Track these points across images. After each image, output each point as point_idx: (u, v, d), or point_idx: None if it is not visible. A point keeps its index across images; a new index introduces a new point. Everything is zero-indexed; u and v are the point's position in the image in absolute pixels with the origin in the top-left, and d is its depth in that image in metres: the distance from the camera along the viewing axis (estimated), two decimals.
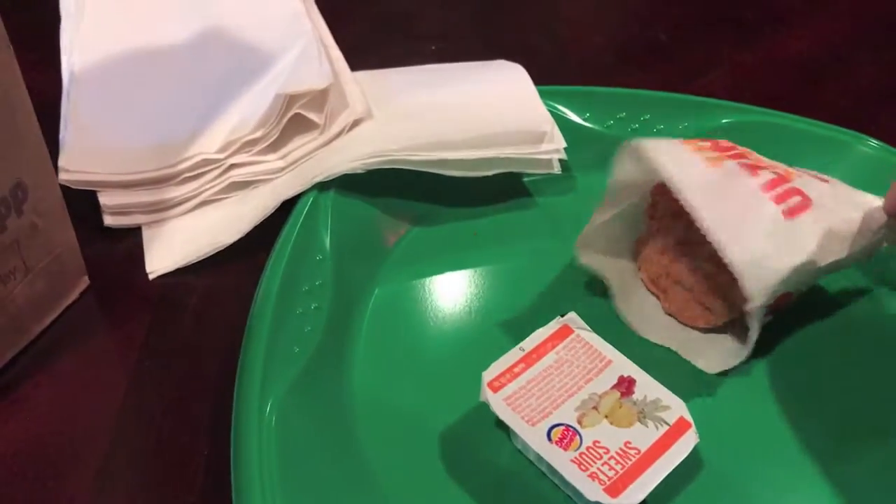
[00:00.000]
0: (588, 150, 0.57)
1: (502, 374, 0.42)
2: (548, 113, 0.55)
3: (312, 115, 0.54)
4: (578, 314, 0.45)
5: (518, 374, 0.42)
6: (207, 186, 0.53)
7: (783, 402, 0.45)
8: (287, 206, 0.51)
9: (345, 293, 0.48)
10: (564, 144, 0.54)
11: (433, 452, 0.42)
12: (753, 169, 0.45)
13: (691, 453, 0.40)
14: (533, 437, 0.40)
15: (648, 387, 0.42)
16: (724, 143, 0.48)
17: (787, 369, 0.46)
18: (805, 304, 0.47)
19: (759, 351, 0.46)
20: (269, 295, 0.45)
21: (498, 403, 0.41)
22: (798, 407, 0.45)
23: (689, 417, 0.41)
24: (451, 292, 0.50)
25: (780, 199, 0.44)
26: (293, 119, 0.53)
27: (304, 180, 0.51)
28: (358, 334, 0.47)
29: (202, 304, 0.50)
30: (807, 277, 0.45)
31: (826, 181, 0.47)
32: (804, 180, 0.46)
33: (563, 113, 0.58)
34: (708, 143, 0.47)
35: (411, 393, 0.45)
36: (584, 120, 0.58)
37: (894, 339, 0.48)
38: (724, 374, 0.46)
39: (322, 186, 0.51)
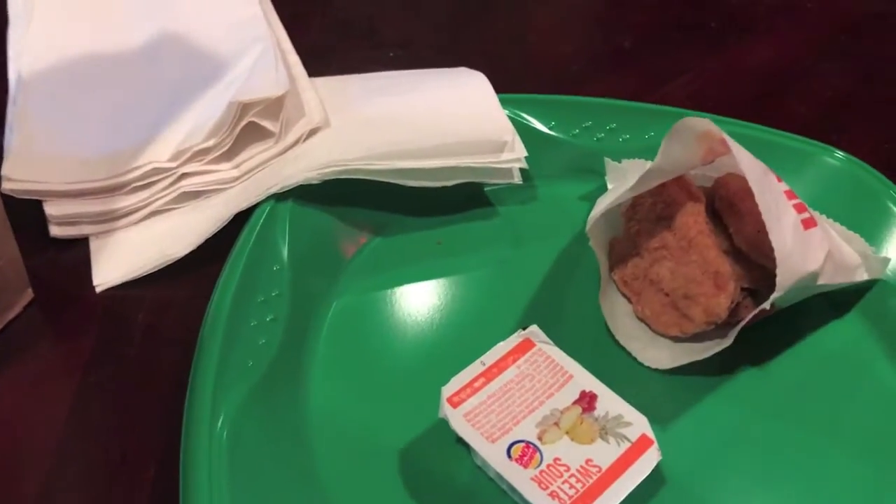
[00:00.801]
0: (553, 160, 0.56)
1: (462, 389, 0.41)
2: (509, 122, 0.54)
3: (267, 124, 0.52)
4: (541, 327, 0.44)
5: (478, 389, 0.41)
6: (158, 196, 0.52)
7: (752, 415, 0.44)
8: (241, 218, 0.49)
9: (302, 305, 0.47)
10: (525, 154, 0.53)
11: (392, 470, 0.41)
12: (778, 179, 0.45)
13: (654, 470, 0.39)
14: (492, 455, 0.39)
15: (610, 402, 0.41)
16: None
17: (755, 382, 0.46)
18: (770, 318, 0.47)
19: (727, 363, 0.45)
20: (222, 305, 0.44)
21: (457, 420, 0.40)
22: (767, 420, 0.44)
23: (651, 434, 0.39)
24: (412, 304, 0.49)
25: (798, 209, 0.44)
26: (247, 127, 0.52)
27: (258, 191, 0.50)
28: (315, 347, 0.46)
29: (152, 317, 0.48)
30: (798, 293, 0.44)
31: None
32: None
33: (528, 121, 0.57)
34: None
35: (370, 409, 0.44)
36: (550, 129, 0.57)
37: (857, 351, 0.47)
38: (690, 388, 0.45)
39: (279, 196, 0.50)
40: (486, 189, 0.55)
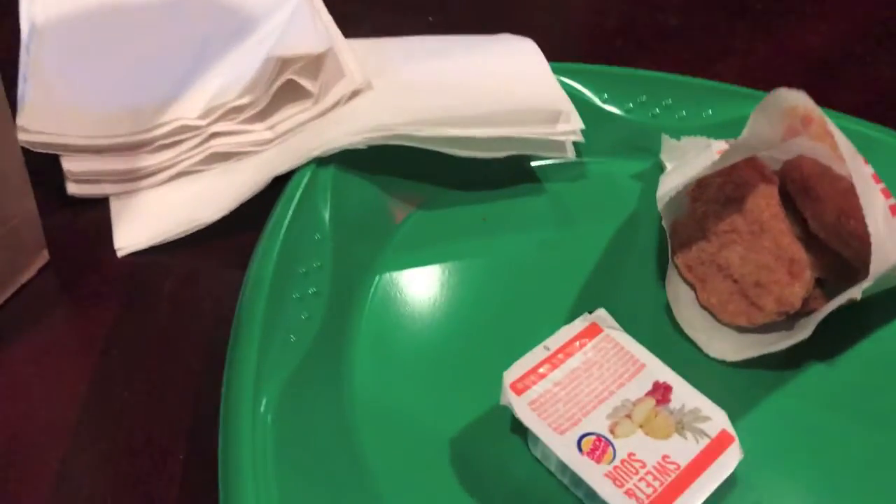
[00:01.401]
0: (605, 135, 0.53)
1: (526, 376, 0.38)
2: (563, 92, 0.51)
3: (306, 83, 0.48)
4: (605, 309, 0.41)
5: (543, 376, 0.38)
6: (186, 156, 0.48)
7: (818, 410, 0.41)
8: (275, 184, 0.46)
9: (344, 277, 0.43)
10: (582, 126, 0.50)
11: (441, 458, 0.38)
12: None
13: (735, 470, 0.36)
14: (562, 448, 0.35)
15: (686, 395, 0.38)
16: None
17: (820, 375, 0.43)
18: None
19: (791, 355, 0.42)
20: (262, 277, 0.40)
21: (522, 408, 0.36)
22: (833, 414, 0.41)
23: (731, 430, 0.36)
24: (460, 281, 0.45)
25: (885, 194, 0.41)
26: (284, 86, 0.48)
27: (299, 154, 0.46)
28: (359, 325, 0.43)
29: (179, 288, 0.45)
30: (881, 283, 0.41)
31: None
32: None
33: (581, 92, 0.53)
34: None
35: (417, 391, 0.40)
36: (603, 102, 0.54)
37: None
38: (768, 382, 0.42)
39: (320, 161, 0.46)
40: (532, 164, 0.52)
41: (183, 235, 0.46)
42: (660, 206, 0.44)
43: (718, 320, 0.44)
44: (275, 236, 0.42)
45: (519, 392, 0.37)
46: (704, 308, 0.44)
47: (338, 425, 0.38)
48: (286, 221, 0.42)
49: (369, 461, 0.37)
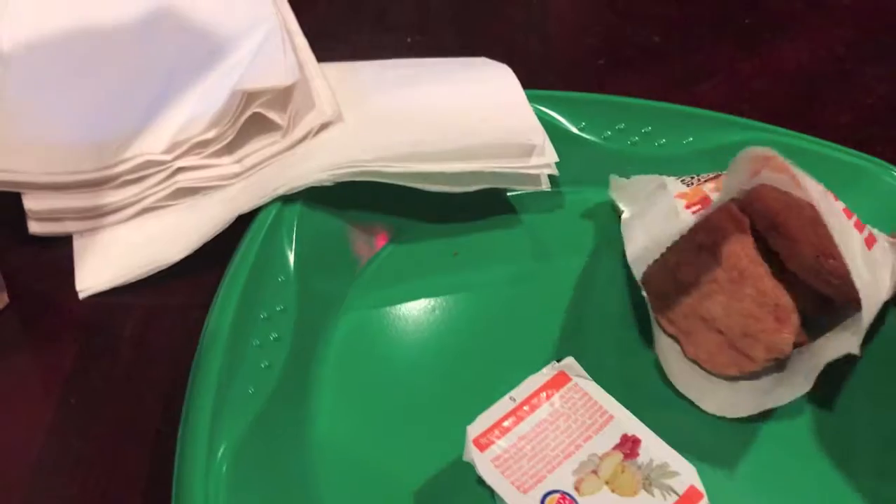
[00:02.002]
0: (582, 164, 0.52)
1: (490, 430, 0.37)
2: (538, 122, 0.49)
3: (274, 116, 0.47)
4: (570, 353, 0.39)
5: (508, 430, 0.37)
6: (151, 192, 0.47)
7: (803, 461, 0.40)
8: (242, 220, 0.45)
9: (308, 321, 0.42)
10: (556, 159, 0.48)
11: None
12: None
13: None
14: None
15: (655, 448, 0.37)
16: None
17: (815, 431, 0.41)
18: None
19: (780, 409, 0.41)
20: (222, 322, 0.39)
21: (485, 465, 0.35)
22: (832, 474, 0.40)
23: (700, 486, 0.35)
24: (429, 323, 0.44)
25: (858, 227, 0.40)
26: (252, 119, 0.47)
27: (264, 191, 0.45)
28: (322, 371, 0.42)
29: (140, 329, 0.44)
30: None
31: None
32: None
33: (556, 120, 0.52)
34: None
35: (382, 441, 0.39)
36: (580, 130, 0.52)
37: None
38: (743, 436, 0.41)
39: (286, 198, 0.45)
40: (508, 194, 0.51)
41: (146, 275, 0.45)
42: (634, 269, 0.43)
43: (708, 371, 0.43)
44: (236, 281, 0.41)
45: (482, 448, 0.36)
46: (692, 361, 0.43)
47: (299, 476, 0.37)
48: (249, 265, 0.41)
49: None
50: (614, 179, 0.50)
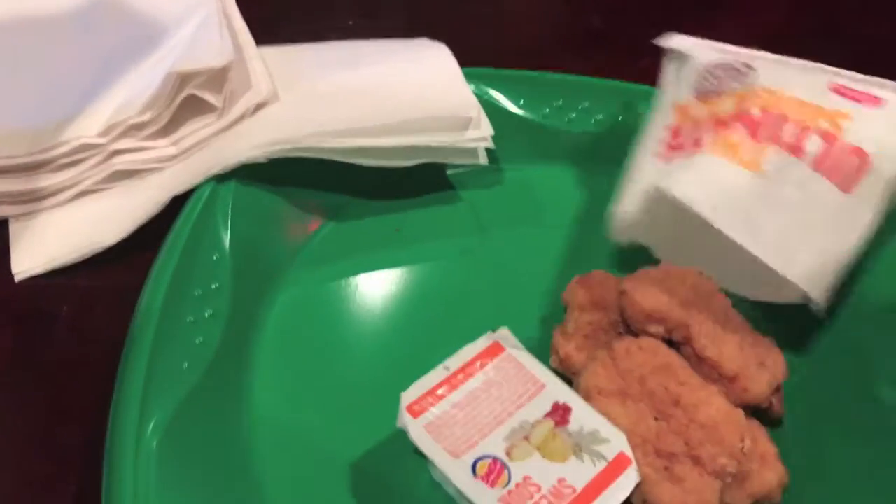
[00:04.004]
0: (521, 141, 0.52)
1: (423, 397, 0.37)
2: (473, 97, 0.50)
3: (209, 97, 0.47)
4: (507, 324, 0.40)
5: (441, 398, 0.37)
6: (87, 175, 0.47)
7: None
8: (179, 201, 0.45)
9: (244, 299, 0.42)
10: (492, 132, 0.49)
11: (343, 484, 0.37)
12: (800, 134, 0.41)
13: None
14: (456, 472, 0.35)
15: (586, 416, 0.37)
16: (749, 107, 0.43)
17: None
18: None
19: None
20: (154, 299, 0.39)
21: (417, 431, 0.36)
22: None
23: (629, 452, 0.36)
24: (368, 299, 0.45)
25: (834, 173, 0.40)
26: (187, 100, 0.47)
27: (198, 172, 0.45)
28: (259, 347, 0.42)
29: (77, 312, 0.44)
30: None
31: (878, 101, 0.42)
32: (862, 114, 0.41)
33: (495, 99, 0.52)
34: (738, 131, 0.42)
35: (319, 416, 0.40)
36: (518, 107, 0.53)
37: None
38: None
39: (220, 177, 0.45)
40: (448, 172, 0.51)
41: (83, 258, 0.45)
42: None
43: None
44: (169, 259, 0.41)
45: (416, 414, 0.36)
46: None
47: (234, 451, 0.37)
48: (181, 243, 0.41)
49: (268, 488, 0.37)
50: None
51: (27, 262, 0.45)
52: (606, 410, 0.37)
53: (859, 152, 0.41)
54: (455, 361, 0.38)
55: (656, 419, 0.37)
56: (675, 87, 0.47)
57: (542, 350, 0.39)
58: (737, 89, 0.44)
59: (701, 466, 0.35)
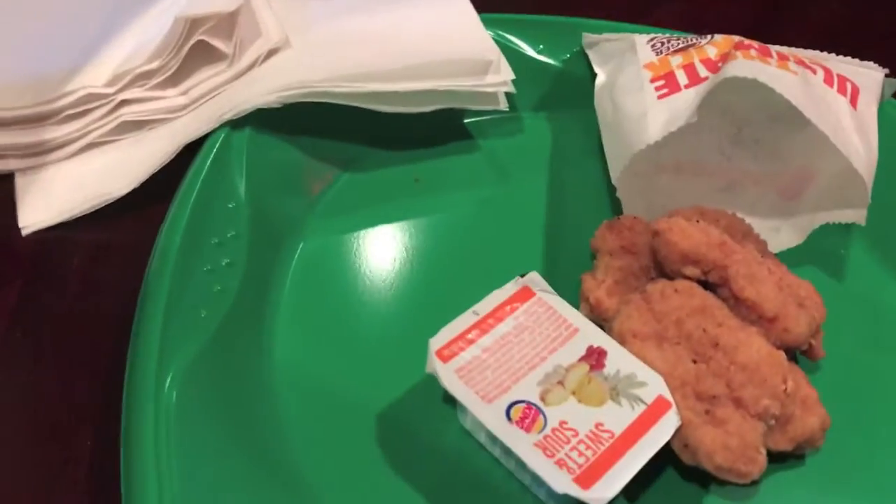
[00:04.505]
0: (542, 88, 0.51)
1: (453, 342, 0.35)
2: (492, 40, 0.48)
3: (219, 44, 0.46)
4: (540, 272, 0.38)
5: (472, 342, 0.35)
6: (94, 126, 0.45)
7: None
8: (191, 151, 0.43)
9: (263, 247, 0.41)
10: (512, 76, 0.47)
11: (368, 434, 0.36)
12: (801, 62, 0.41)
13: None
14: (489, 417, 0.33)
15: (622, 359, 0.36)
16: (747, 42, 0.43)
17: None
18: None
19: None
20: (170, 247, 0.38)
21: (448, 376, 0.34)
22: None
23: (669, 396, 0.34)
24: (389, 247, 0.43)
25: (841, 87, 0.40)
26: (197, 48, 0.45)
27: (210, 119, 0.43)
28: (279, 295, 0.40)
29: (88, 265, 0.42)
30: None
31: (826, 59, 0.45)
32: (832, 65, 0.43)
33: (514, 44, 0.51)
34: (749, 52, 0.41)
35: (343, 364, 0.38)
36: (538, 53, 0.51)
37: None
38: None
39: (235, 124, 0.43)
40: (466, 120, 0.50)
41: (91, 210, 0.43)
42: (619, 190, 0.42)
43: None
44: (183, 207, 0.39)
45: (445, 359, 0.35)
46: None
47: (256, 402, 0.36)
48: (195, 190, 0.40)
49: (291, 439, 0.35)
50: (587, 36, 0.50)
51: (35, 215, 0.43)
52: (642, 354, 0.36)
53: (850, 81, 0.42)
54: (484, 306, 0.37)
55: (695, 362, 0.35)
56: (624, 56, 0.46)
57: (571, 298, 0.38)
58: (699, 43, 0.44)
59: (743, 409, 0.34)
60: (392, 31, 0.48)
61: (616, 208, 0.44)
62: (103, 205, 0.43)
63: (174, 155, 0.43)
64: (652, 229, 0.39)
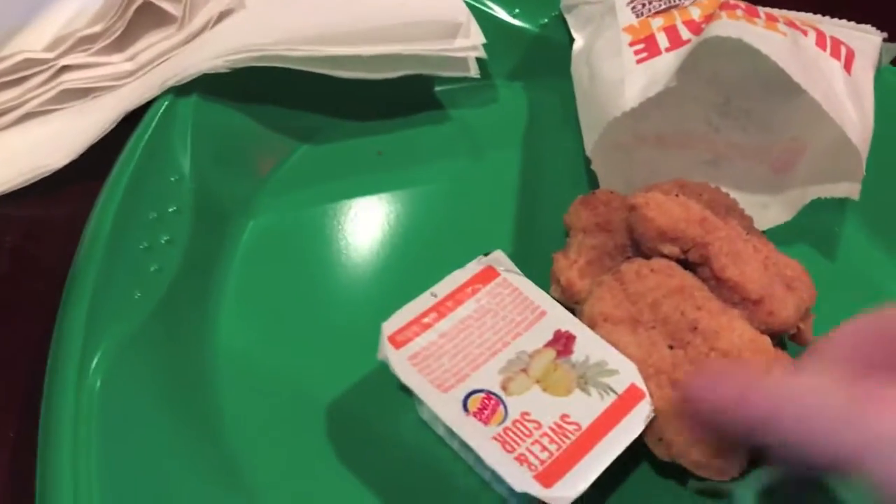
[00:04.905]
0: (516, 54, 0.48)
1: (407, 326, 0.32)
2: (461, 2, 0.45)
3: (166, 5, 0.43)
4: (506, 253, 0.35)
5: (428, 326, 0.33)
6: (33, 94, 0.42)
7: None
8: (136, 120, 0.40)
9: (209, 225, 0.38)
10: (483, 40, 0.44)
11: (319, 427, 0.33)
12: (791, 24, 0.39)
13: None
14: (444, 408, 0.30)
15: (592, 345, 0.33)
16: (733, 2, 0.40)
17: None
18: None
19: None
20: (102, 222, 0.35)
21: (400, 363, 0.31)
22: None
23: (642, 384, 0.31)
24: (348, 228, 0.40)
25: (835, 51, 0.38)
26: (143, 10, 0.43)
27: (153, 85, 0.41)
28: (225, 276, 0.38)
29: (21, 241, 0.40)
30: None
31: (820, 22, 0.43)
32: (826, 27, 0.41)
33: (487, 7, 0.48)
34: (735, 13, 0.38)
35: (292, 352, 0.36)
36: (513, 17, 0.48)
37: None
38: None
39: (179, 92, 0.40)
40: (436, 88, 0.47)
41: (28, 184, 0.40)
42: (589, 150, 0.39)
43: None
44: (119, 179, 0.36)
45: (398, 345, 0.32)
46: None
47: (194, 393, 0.33)
48: (133, 162, 0.37)
49: (234, 434, 0.33)
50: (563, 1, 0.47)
51: None
52: (614, 339, 0.33)
53: (844, 44, 0.39)
54: (443, 287, 0.34)
55: (671, 347, 0.32)
56: (604, 19, 0.43)
57: (544, 280, 0.35)
58: (683, 4, 0.41)
59: None
60: None
61: (594, 183, 0.41)
62: (39, 178, 0.40)
63: (115, 124, 0.40)
64: (627, 204, 0.35)
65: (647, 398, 0.31)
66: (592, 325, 0.33)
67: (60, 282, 0.36)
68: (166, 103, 0.39)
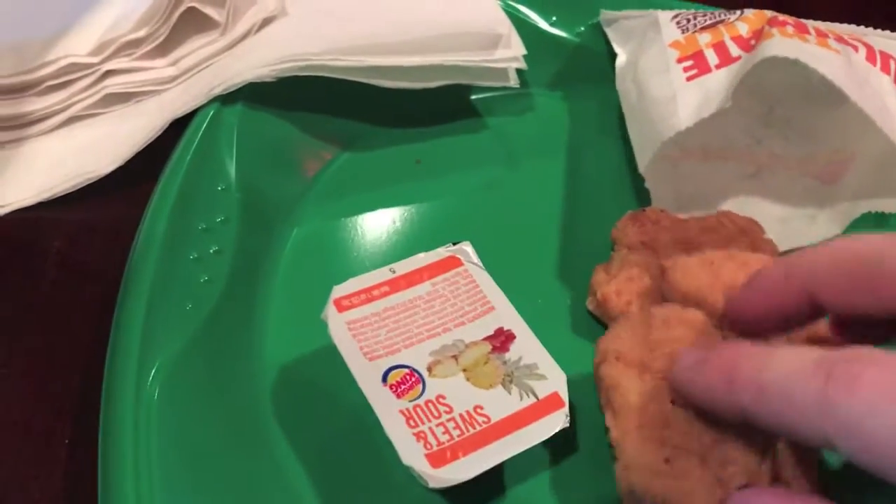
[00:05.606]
0: (554, 63, 0.48)
1: (356, 294, 0.34)
2: (502, 12, 0.45)
3: (211, 11, 0.43)
4: (543, 268, 0.36)
5: (375, 298, 0.34)
6: (77, 98, 0.42)
7: None
8: (180, 126, 0.40)
9: (254, 234, 0.38)
10: (524, 51, 0.44)
11: (358, 435, 0.33)
12: (840, 39, 0.39)
13: (561, 441, 0.32)
14: (363, 374, 0.31)
15: (529, 348, 0.33)
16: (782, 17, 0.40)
17: None
18: None
19: None
20: (153, 233, 0.35)
21: (337, 325, 0.32)
22: None
23: (565, 395, 0.32)
24: (387, 235, 0.41)
25: (885, 65, 0.38)
26: (186, 15, 0.43)
27: (200, 93, 0.41)
28: (270, 286, 0.38)
29: (69, 247, 0.40)
30: None
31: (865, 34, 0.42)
32: (872, 39, 0.40)
33: (524, 15, 0.48)
34: (786, 29, 0.38)
35: (335, 361, 0.35)
36: (550, 25, 0.48)
37: None
38: None
39: (225, 100, 0.40)
40: (473, 97, 0.47)
41: (73, 189, 0.41)
42: (647, 181, 0.39)
43: None
44: (168, 189, 0.37)
45: (342, 309, 0.33)
46: None
47: (242, 400, 0.34)
48: (182, 172, 0.37)
49: (278, 436, 0.33)
50: (605, 13, 0.47)
51: (13, 193, 0.41)
52: (619, 379, 0.31)
53: (892, 57, 0.39)
54: (404, 266, 0.35)
55: (673, 403, 0.30)
56: (647, 34, 0.43)
57: (579, 292, 0.36)
58: (729, 20, 0.41)
59: (708, 468, 0.29)
60: (396, 2, 0.45)
61: (637, 195, 0.42)
62: (86, 184, 0.41)
63: (161, 131, 0.41)
64: (660, 266, 0.35)
65: (566, 409, 0.31)
66: (602, 358, 0.32)
67: (108, 287, 0.37)
68: (212, 112, 0.40)
